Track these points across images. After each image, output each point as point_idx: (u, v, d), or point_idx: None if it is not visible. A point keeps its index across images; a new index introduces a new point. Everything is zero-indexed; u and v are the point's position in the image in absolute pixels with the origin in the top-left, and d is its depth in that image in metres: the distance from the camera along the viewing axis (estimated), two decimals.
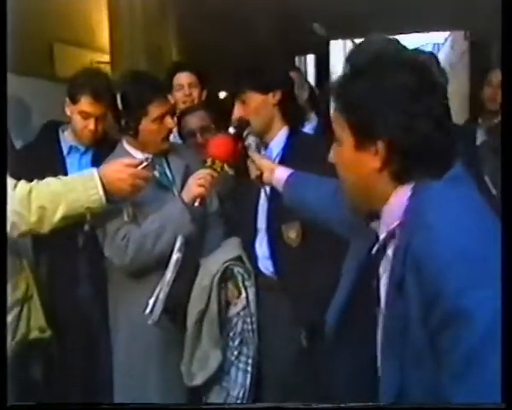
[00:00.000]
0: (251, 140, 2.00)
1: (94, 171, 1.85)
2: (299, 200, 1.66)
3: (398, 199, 1.04)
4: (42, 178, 1.92)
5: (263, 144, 2.10)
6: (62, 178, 1.90)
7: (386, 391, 1.06)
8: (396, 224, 1.04)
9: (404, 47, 1.94)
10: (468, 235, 0.94)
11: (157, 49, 4.43)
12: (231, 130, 2.01)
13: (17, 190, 1.79)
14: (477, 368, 0.88)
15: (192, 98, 2.84)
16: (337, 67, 12.22)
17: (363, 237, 1.18)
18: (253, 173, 1.84)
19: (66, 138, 2.40)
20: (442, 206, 0.98)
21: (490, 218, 0.99)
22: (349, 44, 13.49)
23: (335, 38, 10.88)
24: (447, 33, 11.31)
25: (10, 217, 1.75)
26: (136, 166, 1.89)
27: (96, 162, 2.22)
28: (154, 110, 2.04)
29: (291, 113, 2.08)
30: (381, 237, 1.09)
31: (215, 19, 5.90)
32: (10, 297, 1.95)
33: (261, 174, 1.80)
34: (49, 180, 1.86)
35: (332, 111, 1.13)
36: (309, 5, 6.55)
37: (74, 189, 1.80)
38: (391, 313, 1.03)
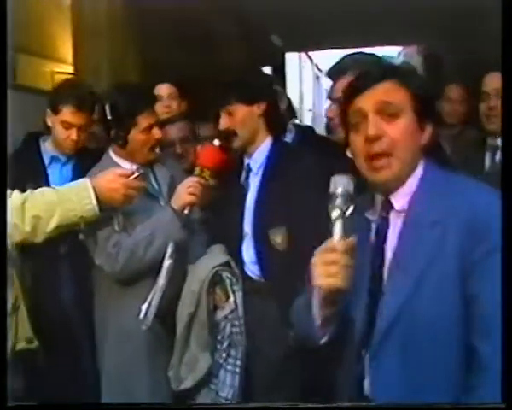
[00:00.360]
0: None
1: (87, 181, 1.89)
2: None
3: (415, 174, 1.31)
4: (24, 188, 1.94)
5: (247, 154, 2.18)
6: (56, 188, 1.92)
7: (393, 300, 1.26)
8: (413, 190, 1.29)
9: None
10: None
11: (120, 63, 4.40)
12: (217, 141, 2.09)
13: (11, 200, 1.80)
14: None
15: (171, 110, 2.88)
16: (293, 79, 12.50)
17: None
18: None
19: (47, 149, 2.43)
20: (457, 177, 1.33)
21: None
22: (304, 57, 13.81)
23: (291, 51, 11.16)
24: (400, 47, 11.69)
25: None
26: (129, 176, 1.94)
27: (78, 172, 2.27)
28: (143, 121, 2.10)
29: (274, 123, 2.17)
30: (398, 204, 1.31)
31: (177, 32, 5.96)
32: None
33: None
34: (44, 190, 1.89)
35: (389, 86, 1.28)
36: (266, 18, 6.72)
37: (68, 199, 1.84)
38: (414, 246, 1.26)
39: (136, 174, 1.97)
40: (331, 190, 1.23)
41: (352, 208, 1.21)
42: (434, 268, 1.22)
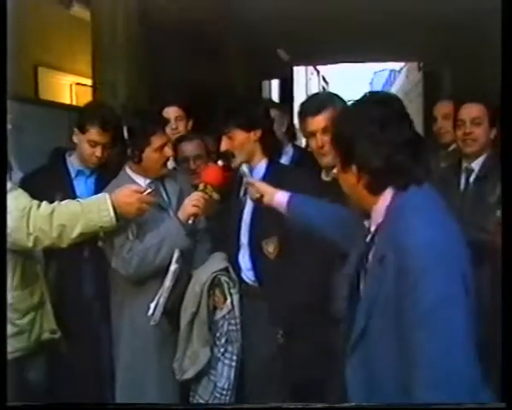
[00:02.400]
0: (245, 168, 2.31)
1: (106, 195, 2.16)
2: (302, 219, 1.98)
3: (381, 203, 1.42)
4: (53, 198, 2.22)
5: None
6: (80, 200, 2.20)
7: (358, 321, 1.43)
8: (380, 220, 1.42)
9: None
10: (433, 229, 1.32)
11: (135, 78, 4.56)
12: (220, 162, 2.38)
13: (41, 209, 2.08)
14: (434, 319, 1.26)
15: (178, 131, 3.09)
16: (299, 91, 12.78)
17: (356, 240, 1.57)
18: (254, 196, 2.16)
19: (73, 162, 2.71)
20: (415, 208, 1.36)
21: (449, 220, 1.37)
22: (311, 70, 14.13)
23: (298, 65, 11.44)
24: (402, 63, 11.96)
25: (35, 232, 2.06)
26: (142, 192, 2.21)
27: (100, 184, 2.55)
28: (156, 141, 2.38)
29: (270, 147, 2.44)
30: (372, 229, 1.47)
31: (188, 50, 6.22)
32: (27, 302, 2.24)
33: (261, 197, 2.11)
34: (69, 202, 2.17)
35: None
36: (273, 32, 6.99)
37: (90, 211, 2.11)
38: (372, 277, 1.41)
39: (149, 190, 2.25)
40: None
41: None
42: (379, 301, 1.36)
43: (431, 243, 1.29)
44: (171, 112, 3.10)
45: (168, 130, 2.95)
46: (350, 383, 1.48)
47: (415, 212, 1.35)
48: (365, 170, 1.40)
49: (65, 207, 2.13)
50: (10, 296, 2.13)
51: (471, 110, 2.68)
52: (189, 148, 2.84)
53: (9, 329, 2.11)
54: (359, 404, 1.47)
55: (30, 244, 2.07)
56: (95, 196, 2.22)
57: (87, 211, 2.11)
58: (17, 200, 2.06)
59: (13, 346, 2.13)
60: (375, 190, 1.42)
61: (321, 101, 2.36)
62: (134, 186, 2.26)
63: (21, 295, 2.20)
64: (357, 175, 1.42)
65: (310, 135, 2.37)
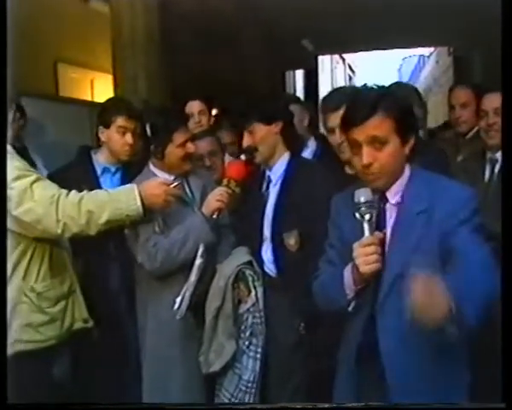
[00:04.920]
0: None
1: (134, 186, 2.21)
2: None
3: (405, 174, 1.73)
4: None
5: (268, 167, 2.48)
6: (108, 190, 2.25)
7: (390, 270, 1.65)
8: (403, 188, 1.70)
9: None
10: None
11: (156, 72, 4.62)
12: (243, 156, 2.41)
13: (69, 197, 2.12)
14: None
15: (201, 125, 3.14)
16: (325, 81, 12.67)
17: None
18: None
19: (99, 160, 2.77)
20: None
21: None
22: (336, 58, 13.96)
23: (323, 54, 11.35)
24: (431, 49, 11.78)
25: (63, 219, 2.08)
26: (169, 185, 2.26)
27: (125, 181, 2.58)
28: (179, 137, 2.42)
29: (291, 140, 2.46)
30: (394, 199, 1.70)
31: (209, 45, 6.23)
32: (58, 291, 2.26)
33: None
34: (97, 191, 2.23)
35: (376, 121, 1.63)
36: (298, 22, 6.95)
37: (118, 199, 2.15)
38: (405, 232, 1.66)
39: (176, 183, 2.30)
40: (355, 200, 1.63)
41: (374, 213, 1.61)
42: (422, 242, 1.62)
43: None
44: (194, 106, 3.15)
45: (191, 124, 3.02)
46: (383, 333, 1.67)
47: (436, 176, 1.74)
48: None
49: (93, 195, 2.17)
50: (41, 286, 2.18)
51: (493, 100, 2.62)
52: (203, 145, 2.84)
53: (40, 317, 2.18)
54: (361, 404, 1.61)
55: (59, 231, 2.10)
56: (122, 187, 2.27)
57: (115, 199, 2.15)
58: (45, 189, 2.10)
59: (45, 334, 2.18)
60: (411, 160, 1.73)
61: (341, 95, 2.36)
62: (161, 179, 2.31)
63: (51, 283, 2.23)
64: (411, 147, 1.69)
65: (330, 131, 2.38)
